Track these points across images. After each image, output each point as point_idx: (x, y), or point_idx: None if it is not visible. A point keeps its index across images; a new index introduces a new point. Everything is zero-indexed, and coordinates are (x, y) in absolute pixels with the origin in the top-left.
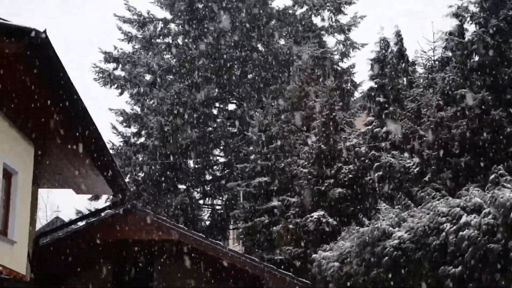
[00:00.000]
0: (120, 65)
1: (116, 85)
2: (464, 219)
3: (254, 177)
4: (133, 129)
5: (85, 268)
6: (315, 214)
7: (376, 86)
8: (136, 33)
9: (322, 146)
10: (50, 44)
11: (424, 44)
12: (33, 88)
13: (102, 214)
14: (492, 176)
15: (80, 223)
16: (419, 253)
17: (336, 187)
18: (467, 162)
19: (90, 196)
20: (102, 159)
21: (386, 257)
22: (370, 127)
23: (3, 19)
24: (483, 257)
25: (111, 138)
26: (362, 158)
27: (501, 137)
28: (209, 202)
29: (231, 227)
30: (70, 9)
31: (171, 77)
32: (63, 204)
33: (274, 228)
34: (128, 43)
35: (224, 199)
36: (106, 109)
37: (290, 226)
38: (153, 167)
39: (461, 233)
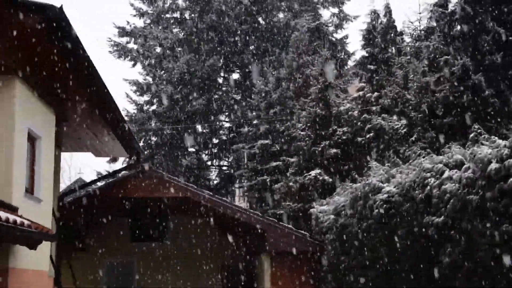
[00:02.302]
0: (133, 39)
1: (129, 57)
2: (446, 174)
3: (256, 140)
4: (146, 97)
5: (104, 224)
6: (313, 173)
7: (367, 55)
8: (147, 9)
9: (318, 110)
10: (66, 19)
11: (411, 15)
12: (53, 59)
13: (119, 175)
14: (472, 135)
15: (99, 183)
16: (406, 205)
17: (331, 147)
18: (450, 123)
19: (108, 159)
20: (117, 125)
21: (377, 210)
22: (362, 92)
23: None
24: (462, 208)
25: (126, 106)
26: (355, 121)
27: (480, 99)
28: (216, 163)
29: (236, 185)
30: None
31: (179, 49)
32: (86, 166)
33: (276, 185)
34: (140, 18)
35: (230, 160)
36: (121, 79)
37: (290, 183)
38: (164, 132)
39: (443, 186)
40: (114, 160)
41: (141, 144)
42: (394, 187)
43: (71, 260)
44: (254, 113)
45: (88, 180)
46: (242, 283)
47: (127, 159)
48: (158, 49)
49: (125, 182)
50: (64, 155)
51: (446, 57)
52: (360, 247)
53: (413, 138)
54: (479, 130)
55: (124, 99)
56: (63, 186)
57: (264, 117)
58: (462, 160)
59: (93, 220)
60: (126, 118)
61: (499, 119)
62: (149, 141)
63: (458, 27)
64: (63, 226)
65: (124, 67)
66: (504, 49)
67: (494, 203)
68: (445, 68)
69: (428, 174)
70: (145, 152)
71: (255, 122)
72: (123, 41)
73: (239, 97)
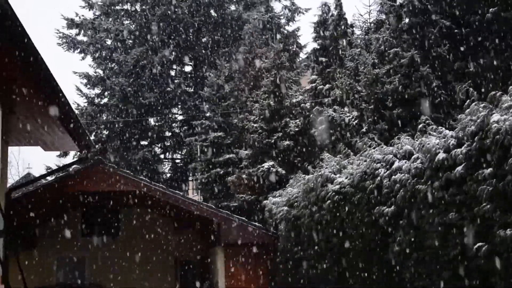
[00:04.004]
0: (82, 31)
1: (79, 50)
2: (396, 164)
3: (209, 133)
4: (97, 90)
5: (55, 219)
6: (265, 165)
7: (318, 47)
8: (96, 0)
9: (271, 102)
10: (8, 4)
11: (361, 8)
12: None
13: (70, 169)
14: (420, 126)
15: (50, 178)
16: (357, 196)
17: (284, 139)
18: (399, 114)
19: (58, 153)
20: (67, 118)
21: (329, 200)
22: (313, 84)
23: None
24: (412, 197)
25: (76, 100)
26: (307, 113)
27: (428, 91)
28: (170, 157)
29: (190, 178)
30: None
31: (130, 41)
32: (35, 161)
33: (229, 178)
34: (89, 10)
35: (183, 153)
36: (71, 72)
37: (243, 176)
38: (116, 126)
39: (393, 176)
40: (64, 154)
41: (92, 137)
42: (346, 178)
43: (20, 257)
44: (206, 106)
45: (37, 175)
46: (197, 277)
47: (78, 153)
48: (109, 41)
49: (76, 176)
50: (12, 149)
51: (395, 49)
52: (313, 238)
53: (363, 130)
54: (427, 121)
55: (75, 93)
56: (11, 181)
57: (216, 110)
58: (411, 151)
59: (43, 216)
60: (76, 112)
61: (447, 110)
62: (100, 135)
63: (407, 20)
64: (11, 222)
65: (74, 60)
66: (449, 41)
67: (441, 192)
68: (394, 60)
69: (379, 165)
70: (97, 146)
71: (208, 114)
72: (72, 33)
73: (192, 90)
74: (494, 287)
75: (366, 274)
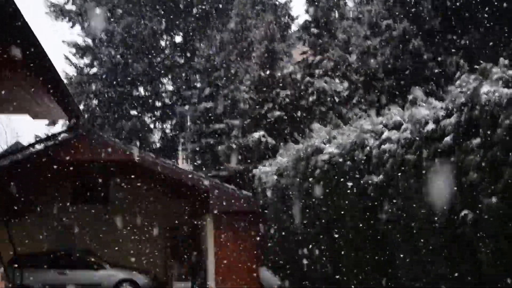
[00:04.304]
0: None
1: (67, 18)
2: (385, 134)
3: (200, 103)
4: (86, 60)
5: (45, 187)
6: (256, 135)
7: (310, 19)
8: None
9: (262, 73)
10: None
11: None
12: None
13: (59, 138)
14: (411, 97)
15: (38, 146)
16: (347, 166)
17: (275, 110)
18: (390, 86)
19: (47, 122)
20: (55, 86)
21: (318, 170)
22: (305, 56)
23: None
24: (400, 167)
25: (65, 69)
26: (298, 84)
27: (419, 63)
28: (160, 126)
29: (180, 148)
30: None
31: (120, 11)
32: (24, 131)
33: (219, 148)
34: None
35: (173, 123)
36: (60, 41)
37: (234, 146)
38: (106, 95)
39: (383, 146)
40: (53, 123)
41: (81, 107)
42: (336, 148)
43: (9, 223)
44: (197, 76)
45: (26, 144)
46: (187, 245)
47: (67, 122)
48: (98, 10)
49: (65, 145)
50: (1, 119)
51: (387, 21)
52: (302, 207)
53: (354, 101)
54: (417, 93)
55: (64, 62)
56: None
57: (208, 80)
58: (400, 122)
59: (32, 184)
60: (65, 81)
61: (437, 82)
62: (89, 104)
63: None
64: (1, 189)
65: (62, 29)
66: (442, 14)
67: (430, 163)
68: (386, 33)
69: (368, 135)
70: (86, 116)
71: (198, 85)
72: (60, 1)
73: (182, 61)
74: (479, 253)
75: (355, 242)
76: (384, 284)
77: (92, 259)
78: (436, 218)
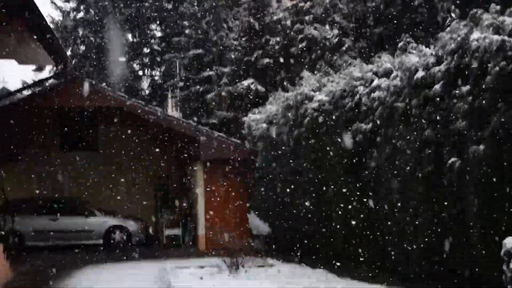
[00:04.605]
0: None
1: None
2: (375, 82)
3: (189, 50)
4: (72, 4)
5: (33, 134)
6: (245, 82)
7: None
8: None
9: (251, 20)
10: None
11: None
12: None
13: (47, 83)
14: (401, 44)
15: (26, 92)
16: (336, 113)
17: (264, 57)
18: (380, 32)
19: (34, 67)
20: (40, 30)
21: (308, 118)
22: (294, 2)
23: None
24: (389, 114)
25: (50, 13)
26: (288, 31)
27: (410, 8)
28: (148, 73)
29: (169, 95)
30: None
31: None
32: (10, 77)
33: (209, 95)
34: None
35: (162, 70)
36: None
37: (223, 93)
38: (93, 41)
39: (372, 94)
40: (40, 69)
41: (68, 53)
42: (325, 95)
43: None
44: (186, 23)
45: (13, 90)
46: (177, 192)
47: (54, 68)
48: None
49: (53, 91)
50: None
51: None
52: (291, 155)
53: (344, 48)
54: (407, 39)
55: (49, 6)
56: None
57: (197, 26)
58: (390, 69)
59: (20, 130)
60: (51, 26)
61: (428, 29)
62: (77, 50)
63: None
64: None
65: None
66: None
67: (419, 110)
68: None
69: (358, 83)
70: (73, 61)
71: (187, 31)
72: None
73: (170, 6)
74: (465, 200)
75: (343, 189)
76: (377, 237)
77: (83, 206)
78: (423, 166)
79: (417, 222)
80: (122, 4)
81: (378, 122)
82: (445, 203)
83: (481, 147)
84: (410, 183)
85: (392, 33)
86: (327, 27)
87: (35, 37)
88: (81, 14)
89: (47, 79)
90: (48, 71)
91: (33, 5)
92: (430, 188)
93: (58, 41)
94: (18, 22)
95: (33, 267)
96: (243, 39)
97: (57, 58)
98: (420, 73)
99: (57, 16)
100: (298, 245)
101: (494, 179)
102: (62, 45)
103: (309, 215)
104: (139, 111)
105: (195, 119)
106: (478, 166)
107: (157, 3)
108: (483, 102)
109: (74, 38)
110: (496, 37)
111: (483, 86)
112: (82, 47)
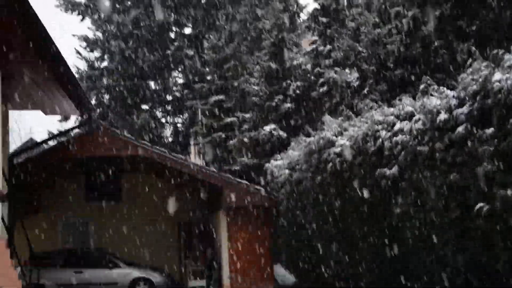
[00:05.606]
0: None
1: (77, 11)
2: (397, 126)
3: (211, 96)
4: (96, 53)
5: (58, 183)
6: (267, 128)
7: (319, 7)
8: None
9: (272, 65)
10: None
11: None
12: None
13: (72, 133)
14: (422, 86)
15: (51, 143)
16: (359, 158)
17: (285, 102)
18: (401, 75)
19: (60, 118)
20: (66, 81)
21: (330, 163)
22: (314, 46)
23: None
24: (413, 159)
25: (76, 63)
26: (308, 75)
27: (430, 51)
28: (171, 121)
29: (192, 142)
30: None
31: (129, 3)
32: (37, 127)
33: (231, 142)
34: None
35: (184, 117)
36: (70, 35)
37: (245, 139)
38: (117, 90)
39: (395, 138)
40: (65, 119)
41: (93, 102)
42: (347, 140)
43: (24, 221)
44: (207, 69)
45: (39, 140)
46: (201, 241)
47: (79, 118)
48: (107, 3)
49: (78, 140)
50: (13, 115)
51: (397, 8)
52: (315, 201)
53: (365, 91)
54: (428, 82)
55: (74, 56)
56: (13, 147)
57: (218, 72)
58: (412, 112)
59: (46, 180)
60: (76, 76)
61: (448, 71)
62: (101, 99)
63: None
64: (15, 187)
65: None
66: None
67: (443, 153)
68: (395, 20)
69: (380, 127)
70: (98, 110)
71: (208, 77)
72: None
73: (192, 53)
74: (495, 247)
75: (369, 237)
76: (403, 282)
77: (108, 258)
78: (451, 211)
79: (447, 270)
80: (145, 52)
81: (402, 166)
82: (474, 250)
83: (509, 191)
84: (438, 229)
85: (413, 75)
86: (347, 70)
87: (61, 88)
88: (105, 63)
89: (72, 129)
90: (73, 120)
91: (60, 57)
92: (458, 234)
93: (83, 91)
94: (46, 74)
95: None
96: (264, 84)
97: (82, 108)
98: (443, 116)
99: (82, 66)
100: None
101: None
102: (86, 94)
103: (335, 264)
104: (161, 159)
105: (218, 166)
106: (506, 211)
107: (178, 52)
108: (509, 144)
109: (98, 88)
110: None
111: (508, 128)
112: (107, 96)
